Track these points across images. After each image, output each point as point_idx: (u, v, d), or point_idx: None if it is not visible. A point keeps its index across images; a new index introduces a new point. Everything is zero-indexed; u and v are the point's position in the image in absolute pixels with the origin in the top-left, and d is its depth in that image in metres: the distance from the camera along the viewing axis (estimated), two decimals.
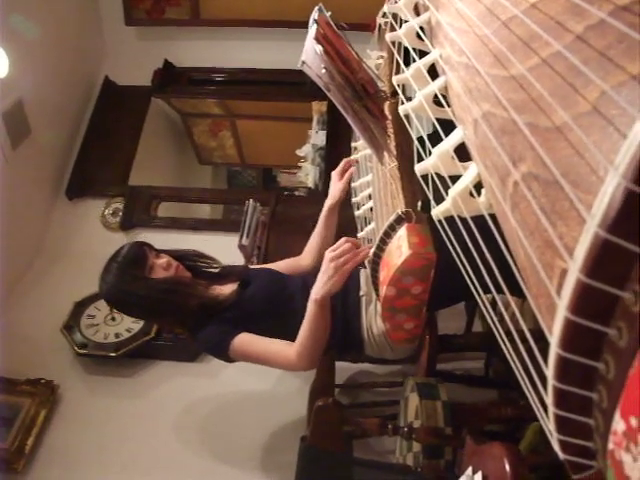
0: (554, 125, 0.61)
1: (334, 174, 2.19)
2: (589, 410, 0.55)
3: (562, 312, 0.51)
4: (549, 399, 0.57)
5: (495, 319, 0.84)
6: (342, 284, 1.74)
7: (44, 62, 3.76)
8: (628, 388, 0.46)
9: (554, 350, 0.53)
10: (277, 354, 1.91)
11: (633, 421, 0.46)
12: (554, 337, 0.53)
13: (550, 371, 0.55)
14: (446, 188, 0.99)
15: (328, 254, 1.74)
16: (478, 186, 0.93)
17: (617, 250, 0.45)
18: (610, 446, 0.51)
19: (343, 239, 1.75)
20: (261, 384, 2.96)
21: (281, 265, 2.29)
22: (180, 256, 2.15)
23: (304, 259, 2.26)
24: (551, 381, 0.55)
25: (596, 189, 0.50)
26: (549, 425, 0.60)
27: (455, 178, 0.99)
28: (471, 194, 0.94)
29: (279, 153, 5.16)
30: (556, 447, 0.61)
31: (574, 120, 0.57)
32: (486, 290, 0.87)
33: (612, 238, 0.44)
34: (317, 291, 1.76)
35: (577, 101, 0.58)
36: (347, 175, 2.14)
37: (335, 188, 2.16)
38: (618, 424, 0.48)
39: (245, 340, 1.94)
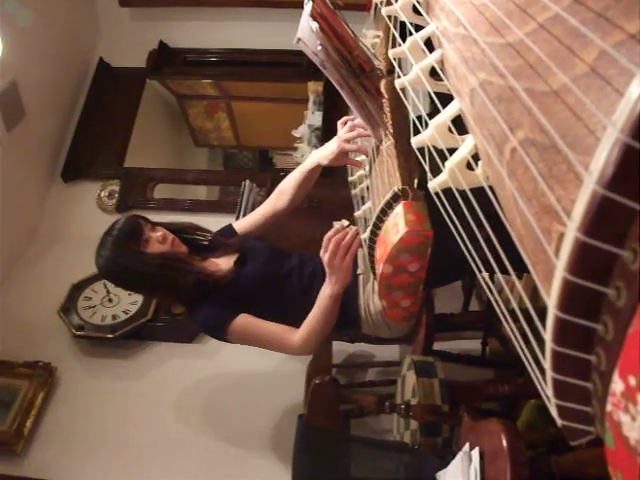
0: (551, 89, 0.61)
1: (342, 125, 1.97)
2: (587, 373, 0.55)
3: (560, 273, 0.50)
4: (547, 363, 0.57)
5: (495, 291, 0.84)
6: (351, 274, 1.80)
7: (38, 44, 3.73)
8: (627, 347, 0.46)
9: (552, 312, 0.53)
10: (279, 339, 1.91)
11: (632, 380, 0.45)
12: (552, 299, 0.52)
13: (548, 334, 0.54)
14: (443, 161, 0.99)
15: (324, 258, 1.76)
16: (475, 158, 0.92)
17: (615, 207, 0.44)
18: (608, 408, 0.51)
19: (326, 238, 1.76)
20: (259, 364, 2.96)
21: (258, 216, 2.22)
22: (176, 229, 2.13)
23: (279, 202, 2.18)
24: (549, 344, 0.54)
25: (593, 150, 0.49)
26: (547, 391, 0.60)
27: (452, 152, 0.98)
28: (469, 166, 0.93)
29: (275, 134, 5.14)
30: (554, 413, 0.61)
31: (572, 82, 0.56)
32: (485, 266, 0.87)
33: (610, 195, 0.44)
34: (332, 288, 1.81)
35: (574, 63, 0.57)
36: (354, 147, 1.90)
37: (331, 151, 1.94)
38: (616, 385, 0.48)
39: (244, 323, 1.92)
